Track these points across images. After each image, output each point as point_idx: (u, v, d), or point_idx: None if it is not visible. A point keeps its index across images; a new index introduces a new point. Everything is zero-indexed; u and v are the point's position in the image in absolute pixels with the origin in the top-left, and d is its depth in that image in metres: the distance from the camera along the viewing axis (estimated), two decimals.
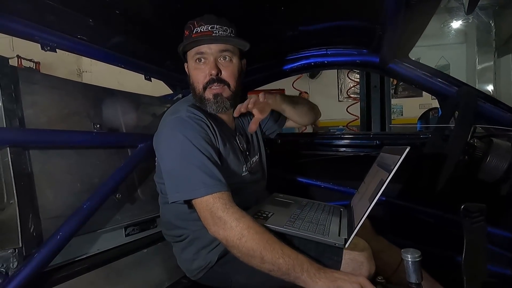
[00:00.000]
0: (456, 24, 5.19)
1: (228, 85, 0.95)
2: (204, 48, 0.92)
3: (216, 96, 0.94)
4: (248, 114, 1.14)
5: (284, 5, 0.99)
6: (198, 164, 0.83)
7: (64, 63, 4.34)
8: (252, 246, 0.75)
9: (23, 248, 0.75)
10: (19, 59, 3.98)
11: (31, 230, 0.78)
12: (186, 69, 1.02)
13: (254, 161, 1.09)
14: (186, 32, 0.95)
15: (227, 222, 0.78)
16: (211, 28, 0.91)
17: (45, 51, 0.95)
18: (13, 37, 0.92)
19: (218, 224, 0.79)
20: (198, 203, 0.83)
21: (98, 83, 1.15)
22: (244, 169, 1.01)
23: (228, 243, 0.79)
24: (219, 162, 0.88)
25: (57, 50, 0.98)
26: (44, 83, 0.94)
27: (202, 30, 0.91)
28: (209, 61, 0.93)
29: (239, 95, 1.00)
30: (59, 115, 0.95)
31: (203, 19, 0.92)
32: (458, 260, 1.22)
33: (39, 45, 0.94)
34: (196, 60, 0.94)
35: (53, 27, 0.94)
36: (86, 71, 4.69)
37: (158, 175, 0.99)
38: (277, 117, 1.23)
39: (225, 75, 0.94)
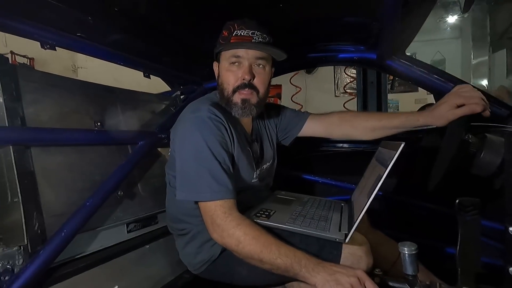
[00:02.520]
0: (451, 19, 5.21)
1: (258, 92, 0.95)
2: (241, 52, 0.92)
3: (244, 101, 0.94)
4: (267, 118, 1.15)
5: (281, 1, 0.99)
6: (208, 168, 0.84)
7: (59, 59, 4.28)
8: (250, 251, 0.78)
9: (28, 245, 0.76)
10: (13, 55, 3.92)
11: (36, 228, 0.79)
12: (216, 68, 1.02)
13: (265, 167, 1.10)
14: (225, 33, 0.94)
15: (224, 230, 0.81)
16: (251, 33, 0.91)
17: (45, 49, 0.95)
18: (6, 34, 0.92)
19: (217, 231, 0.82)
20: (202, 206, 0.86)
21: (93, 79, 1.15)
22: (254, 176, 1.02)
23: (227, 248, 0.83)
24: (230, 168, 0.89)
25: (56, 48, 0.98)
26: (44, 81, 0.95)
27: (242, 34, 0.91)
28: (243, 66, 0.93)
29: (265, 102, 1.01)
30: (60, 113, 0.96)
31: (244, 23, 0.92)
32: (452, 253, 1.26)
33: (34, 41, 0.93)
34: (230, 62, 0.94)
35: (52, 25, 0.94)
36: (81, 67, 4.63)
37: (170, 167, 1.01)
38: (295, 122, 1.20)
39: (257, 81, 0.95)
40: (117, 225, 1.03)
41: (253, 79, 0.94)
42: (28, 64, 4.09)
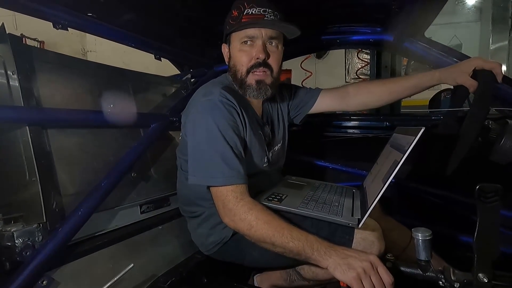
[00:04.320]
0: (471, 0, 4.97)
1: (272, 71, 0.94)
2: (254, 31, 0.90)
3: (259, 82, 0.93)
4: (278, 98, 1.14)
5: None
6: (220, 152, 0.84)
7: (69, 42, 4.29)
8: (262, 235, 0.78)
9: (47, 223, 0.79)
10: (24, 38, 3.94)
11: (54, 206, 0.81)
12: (225, 50, 1.00)
13: (276, 149, 1.10)
14: (235, 13, 0.91)
15: (236, 215, 0.81)
16: (263, 11, 0.89)
17: (57, 29, 0.95)
18: (17, 15, 0.91)
19: (228, 216, 0.83)
20: (214, 190, 0.86)
21: (103, 62, 1.14)
22: (265, 160, 1.02)
23: (239, 232, 0.83)
24: (242, 153, 0.88)
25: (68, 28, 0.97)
26: (58, 62, 0.95)
27: (254, 13, 0.89)
28: (257, 45, 0.91)
29: (278, 83, 0.99)
30: (74, 95, 0.96)
31: (254, 1, 0.89)
32: (464, 240, 1.25)
33: (44, 24, 0.93)
34: (243, 42, 0.92)
35: (64, 4, 0.93)
36: (90, 51, 4.64)
37: (181, 151, 1.01)
38: (307, 99, 1.18)
39: (271, 60, 0.93)
40: (131, 206, 1.05)
41: (268, 58, 0.92)
42: (39, 47, 4.11)
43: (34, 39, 4.10)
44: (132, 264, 0.92)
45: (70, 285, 0.81)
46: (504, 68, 4.90)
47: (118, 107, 1.06)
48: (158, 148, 1.20)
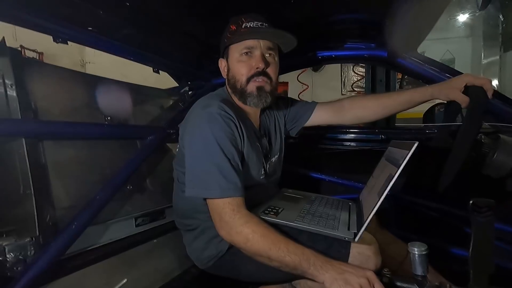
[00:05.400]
0: (463, 17, 5.12)
1: (271, 80, 0.96)
2: (253, 42, 0.93)
3: (259, 89, 0.95)
4: (275, 109, 1.16)
5: None
6: (218, 165, 0.84)
7: (68, 54, 4.32)
8: (258, 249, 0.78)
9: (40, 237, 0.78)
10: (23, 50, 3.96)
11: (47, 220, 0.80)
12: (224, 63, 1.02)
13: (273, 160, 1.10)
14: (233, 27, 0.95)
15: (233, 228, 0.81)
16: (260, 24, 0.93)
17: (57, 43, 0.96)
18: (17, 27, 0.92)
19: (225, 229, 0.82)
20: (210, 203, 0.86)
21: (101, 74, 1.16)
22: (262, 172, 1.02)
23: (235, 245, 0.83)
24: (239, 165, 0.89)
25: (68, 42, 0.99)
26: (56, 75, 0.96)
27: (252, 26, 0.92)
28: (256, 55, 0.94)
29: (276, 93, 1.01)
30: (71, 107, 0.97)
31: (251, 16, 0.93)
32: (461, 254, 1.25)
33: (43, 36, 0.94)
34: (242, 53, 0.94)
35: (65, 19, 0.95)
36: (89, 62, 4.67)
37: (179, 163, 1.01)
38: (303, 111, 1.19)
39: (270, 70, 0.96)
40: (126, 219, 1.04)
41: (267, 68, 0.95)
42: (38, 58, 4.13)
43: (34, 51, 4.13)
44: (126, 280, 0.90)
45: None
46: (496, 82, 5.01)
47: (115, 120, 1.07)
48: (155, 160, 1.20)
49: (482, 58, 5.24)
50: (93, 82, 1.08)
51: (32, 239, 0.76)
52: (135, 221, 1.08)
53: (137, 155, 1.08)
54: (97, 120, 1.01)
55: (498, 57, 5.13)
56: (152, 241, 1.08)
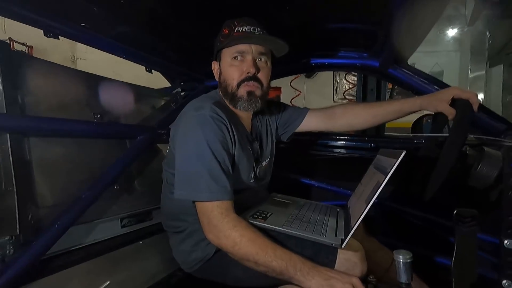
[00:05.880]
0: (452, 32, 5.29)
1: (262, 85, 0.96)
2: (245, 47, 0.93)
3: (249, 93, 0.95)
4: (267, 114, 1.16)
5: (288, 4, 0.99)
6: (208, 168, 0.84)
7: (58, 49, 4.23)
8: (246, 253, 0.78)
9: (21, 235, 0.75)
10: (12, 42, 3.87)
11: (29, 218, 0.78)
12: (215, 67, 1.02)
13: (264, 164, 1.10)
14: (226, 31, 0.95)
15: (221, 231, 0.80)
16: (253, 29, 0.93)
17: (48, 37, 0.94)
18: (6, 19, 0.90)
19: (213, 232, 0.82)
20: (199, 206, 0.85)
21: (92, 71, 1.13)
22: (252, 176, 1.02)
23: (222, 249, 0.82)
24: (230, 169, 0.88)
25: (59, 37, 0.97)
26: (45, 70, 0.93)
27: (244, 30, 0.92)
28: (247, 60, 0.94)
29: (267, 98, 1.01)
30: (59, 104, 0.95)
31: (244, 20, 0.94)
32: (446, 263, 1.27)
33: (33, 29, 0.92)
34: (233, 57, 0.95)
35: (57, 13, 0.93)
36: (80, 58, 4.59)
37: (168, 164, 0.99)
38: (294, 117, 1.20)
39: (261, 75, 0.96)
40: (111, 219, 1.02)
41: (258, 73, 0.95)
42: (27, 52, 4.03)
43: (23, 44, 4.03)
44: (109, 282, 0.88)
45: None
46: (481, 96, 5.17)
47: (105, 118, 1.05)
48: (144, 161, 1.19)
49: (469, 72, 5.41)
50: (84, 78, 1.06)
51: (12, 237, 0.74)
52: (121, 222, 1.06)
53: (126, 155, 1.06)
54: (86, 118, 0.99)
55: (484, 72, 5.31)
56: (138, 243, 1.06)
